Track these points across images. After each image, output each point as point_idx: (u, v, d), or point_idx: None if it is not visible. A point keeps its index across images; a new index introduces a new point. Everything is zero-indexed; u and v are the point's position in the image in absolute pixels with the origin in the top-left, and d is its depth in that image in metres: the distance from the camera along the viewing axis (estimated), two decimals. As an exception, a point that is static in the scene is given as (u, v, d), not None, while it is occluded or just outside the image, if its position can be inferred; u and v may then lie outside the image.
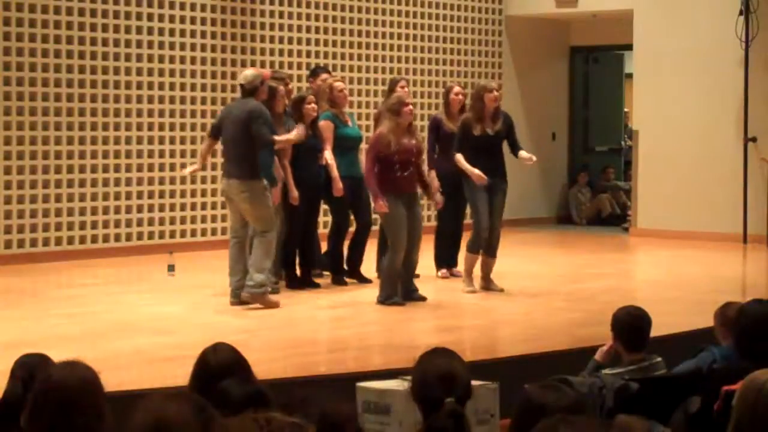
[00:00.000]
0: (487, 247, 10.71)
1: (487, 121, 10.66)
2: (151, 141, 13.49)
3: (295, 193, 10.53)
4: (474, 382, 4.19)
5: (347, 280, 11.14)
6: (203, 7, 13.93)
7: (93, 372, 3.66)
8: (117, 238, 13.29)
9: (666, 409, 5.46)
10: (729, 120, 15.36)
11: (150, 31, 13.45)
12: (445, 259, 11.56)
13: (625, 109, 19.03)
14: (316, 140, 10.83)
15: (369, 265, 11.17)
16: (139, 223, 13.46)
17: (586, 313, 9.63)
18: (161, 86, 13.57)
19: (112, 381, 3.77)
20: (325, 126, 11.00)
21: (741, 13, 15.00)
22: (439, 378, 3.99)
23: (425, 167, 10.80)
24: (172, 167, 13.66)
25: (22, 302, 10.41)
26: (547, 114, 17.91)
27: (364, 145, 11.64)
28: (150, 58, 13.46)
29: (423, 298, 10.17)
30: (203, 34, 13.93)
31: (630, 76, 17.38)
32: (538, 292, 10.85)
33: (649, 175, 15.94)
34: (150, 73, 13.46)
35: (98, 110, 13.06)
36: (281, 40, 14.59)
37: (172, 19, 13.66)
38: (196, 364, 4.48)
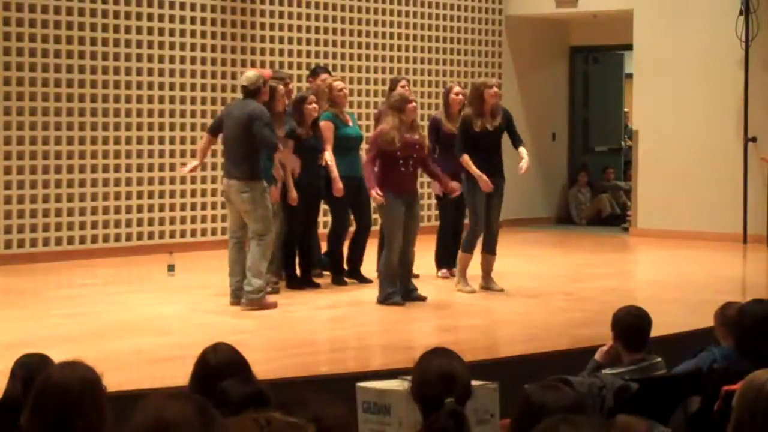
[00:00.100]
0: (486, 245, 10.73)
1: (487, 117, 10.67)
2: (151, 141, 13.50)
3: (294, 193, 10.53)
4: (474, 382, 4.19)
5: (347, 280, 11.15)
6: (203, 7, 13.93)
7: (93, 372, 3.66)
8: (117, 238, 13.29)
9: (666, 409, 5.46)
10: (729, 120, 15.36)
11: (150, 31, 13.45)
12: (445, 259, 11.56)
13: (625, 109, 19.03)
14: (317, 140, 10.83)
15: (369, 266, 11.17)
16: (139, 223, 13.46)
17: (586, 313, 9.63)
18: (161, 86, 13.57)
19: (112, 381, 3.76)
20: (326, 126, 11.00)
21: (741, 13, 15.00)
22: (439, 378, 3.99)
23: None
24: (172, 167, 13.66)
25: (22, 302, 10.40)
26: (547, 114, 17.91)
27: (364, 145, 11.67)
28: (150, 58, 13.46)
29: (423, 298, 10.18)
30: (203, 34, 13.93)
31: (630, 76, 17.38)
32: (538, 292, 10.85)
33: (649, 175, 15.93)
34: (150, 73, 13.46)
35: (98, 110, 13.06)
36: (281, 40, 14.59)
37: (172, 19, 13.66)
38: (196, 364, 4.48)
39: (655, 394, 5.50)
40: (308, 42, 14.84)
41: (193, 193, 13.91)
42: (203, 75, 13.93)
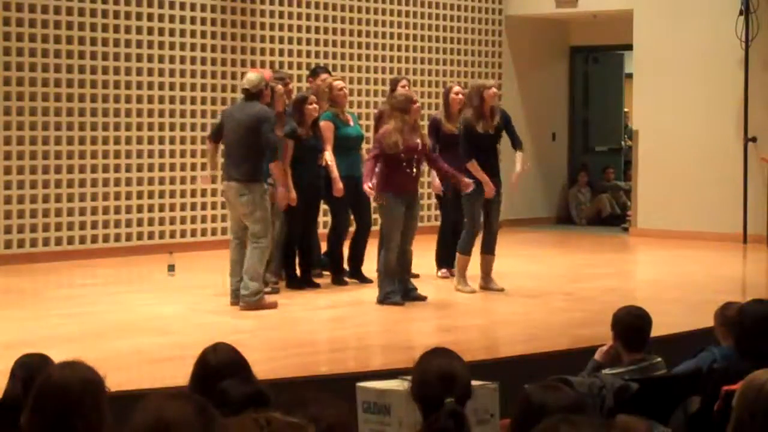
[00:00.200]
0: (485, 246, 10.73)
1: (487, 119, 10.68)
2: (151, 141, 13.49)
3: (293, 194, 10.52)
4: (474, 382, 4.19)
5: (348, 280, 11.15)
6: (203, 7, 13.93)
7: (94, 372, 3.66)
8: (117, 238, 13.29)
9: (666, 409, 5.46)
10: (729, 120, 15.36)
11: (150, 31, 13.45)
12: (445, 259, 11.55)
13: (625, 109, 19.03)
14: (317, 141, 10.83)
15: (370, 265, 11.17)
16: (139, 223, 13.46)
17: (586, 313, 9.63)
18: (161, 86, 13.57)
19: (112, 381, 3.76)
20: (326, 126, 11.00)
21: (741, 13, 15.00)
22: (439, 378, 3.99)
23: (424, 166, 10.80)
24: (172, 167, 13.66)
25: (22, 302, 10.41)
26: (547, 114, 17.90)
27: (365, 145, 11.67)
28: (150, 58, 13.46)
29: (422, 298, 10.18)
30: (203, 34, 13.93)
31: (630, 76, 17.38)
32: (538, 292, 10.85)
33: (649, 175, 15.93)
34: (150, 73, 13.46)
35: (98, 110, 13.06)
36: (281, 40, 14.59)
37: (172, 19, 13.66)
38: (196, 364, 4.48)
39: (655, 394, 5.50)
40: (308, 42, 14.84)
41: (193, 193, 13.91)
42: (203, 75, 13.93)
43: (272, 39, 14.51)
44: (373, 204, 10.49)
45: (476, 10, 16.80)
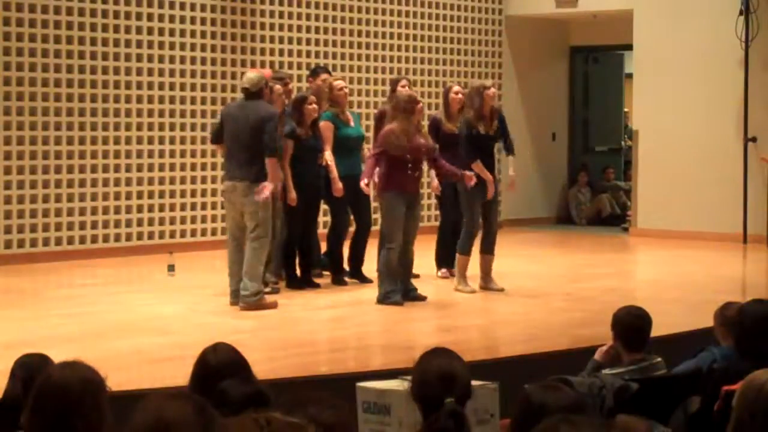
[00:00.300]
0: (485, 245, 10.73)
1: (487, 120, 10.68)
2: (151, 141, 13.49)
3: (293, 194, 10.51)
4: (474, 382, 4.19)
5: (348, 280, 11.15)
6: (203, 7, 13.93)
7: (94, 372, 3.65)
8: (117, 238, 13.28)
9: (666, 409, 5.46)
10: (729, 120, 15.36)
11: (150, 31, 13.45)
12: (445, 259, 11.55)
13: (625, 109, 19.03)
14: (317, 141, 10.82)
15: (370, 265, 11.17)
16: (139, 223, 13.46)
17: (586, 313, 9.63)
18: (161, 86, 13.57)
19: (112, 381, 3.76)
20: (325, 126, 11.00)
21: (741, 13, 15.00)
22: (439, 378, 3.99)
23: (425, 166, 10.80)
24: (172, 167, 13.66)
25: (22, 302, 10.41)
26: (547, 114, 17.90)
27: (366, 145, 11.67)
28: (150, 58, 13.46)
29: (423, 298, 10.18)
30: (203, 34, 13.93)
31: (630, 76, 17.38)
32: (538, 292, 10.85)
33: (649, 175, 15.93)
34: (150, 73, 13.46)
35: (98, 110, 13.06)
36: (281, 40, 14.59)
37: (172, 19, 13.66)
38: (196, 364, 4.48)
39: (655, 394, 5.50)
40: (308, 42, 14.84)
41: (193, 193, 13.91)
42: (203, 75, 13.93)
43: (272, 39, 14.51)
44: (374, 204, 10.48)
45: (476, 10, 16.80)
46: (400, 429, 4.72)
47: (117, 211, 13.26)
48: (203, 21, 13.93)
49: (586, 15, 17.10)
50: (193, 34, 13.84)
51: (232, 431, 2.92)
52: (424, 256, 10.99)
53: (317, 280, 11.04)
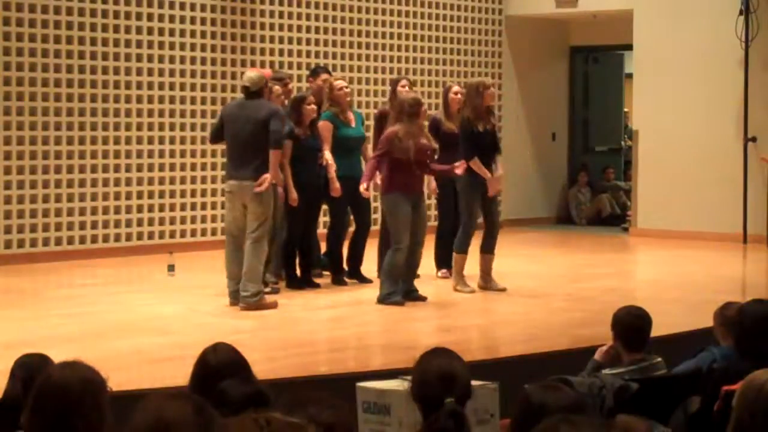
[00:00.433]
0: (485, 245, 10.73)
1: (485, 118, 10.69)
2: (151, 141, 13.49)
3: (294, 194, 10.51)
4: (474, 382, 4.19)
5: (347, 280, 11.15)
6: (203, 7, 13.93)
7: (94, 372, 3.65)
8: (117, 238, 13.28)
9: (666, 409, 5.46)
10: (729, 120, 15.36)
11: (150, 31, 13.45)
12: (445, 259, 11.55)
13: (625, 109, 19.03)
14: (316, 141, 10.82)
15: (370, 266, 11.17)
16: (139, 223, 13.46)
17: (586, 313, 9.63)
18: (161, 86, 13.57)
19: (112, 381, 3.76)
20: (324, 126, 10.99)
21: (741, 13, 15.00)
22: (439, 378, 3.99)
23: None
24: (172, 167, 13.66)
25: (22, 302, 10.41)
26: (547, 114, 17.90)
27: (367, 145, 11.66)
28: (150, 58, 13.46)
29: (423, 298, 10.18)
30: (203, 34, 13.93)
31: (630, 76, 17.38)
32: (538, 292, 10.85)
33: (649, 175, 15.93)
34: (150, 73, 13.46)
35: (98, 110, 13.06)
36: (281, 40, 14.59)
37: (172, 19, 13.65)
38: (196, 364, 4.48)
39: (655, 394, 5.50)
40: (308, 42, 14.84)
41: (193, 193, 13.91)
42: (203, 75, 13.93)
43: (272, 39, 14.51)
44: (374, 204, 10.48)
45: (476, 10, 16.80)
46: (400, 429, 4.72)
47: (117, 211, 13.26)
48: (203, 21, 13.93)
49: (586, 15, 17.10)
50: (193, 34, 13.83)
51: (232, 431, 2.92)
52: (424, 256, 10.99)
53: (317, 280, 11.04)
